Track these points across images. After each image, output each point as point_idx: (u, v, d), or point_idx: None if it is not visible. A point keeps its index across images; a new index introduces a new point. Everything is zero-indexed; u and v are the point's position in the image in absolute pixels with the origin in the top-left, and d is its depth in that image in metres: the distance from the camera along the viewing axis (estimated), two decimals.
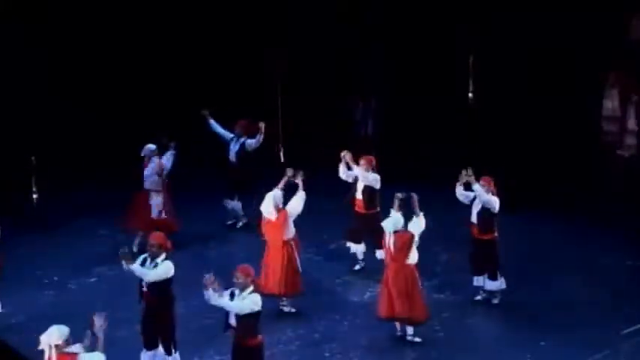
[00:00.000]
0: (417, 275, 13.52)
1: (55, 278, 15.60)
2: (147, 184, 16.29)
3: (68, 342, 10.25)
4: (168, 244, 12.44)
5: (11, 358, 11.60)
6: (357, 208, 15.75)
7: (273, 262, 14.28)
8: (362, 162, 15.58)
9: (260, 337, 11.74)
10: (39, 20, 20.52)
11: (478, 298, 14.68)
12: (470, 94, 21.92)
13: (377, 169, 15.62)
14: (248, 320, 11.53)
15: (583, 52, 19.98)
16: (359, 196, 15.66)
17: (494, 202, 14.25)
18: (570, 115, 20.22)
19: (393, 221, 13.54)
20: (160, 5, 21.59)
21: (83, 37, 20.89)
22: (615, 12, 20.05)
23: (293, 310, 14.56)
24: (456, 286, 15.08)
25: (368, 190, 15.55)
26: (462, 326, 14.09)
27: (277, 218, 14.28)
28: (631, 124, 20.55)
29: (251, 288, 11.57)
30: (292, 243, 14.39)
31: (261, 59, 22.14)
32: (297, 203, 14.42)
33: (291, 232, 14.41)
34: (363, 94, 22.46)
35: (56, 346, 10.13)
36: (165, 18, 21.67)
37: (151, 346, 12.59)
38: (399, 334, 13.74)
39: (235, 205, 17.43)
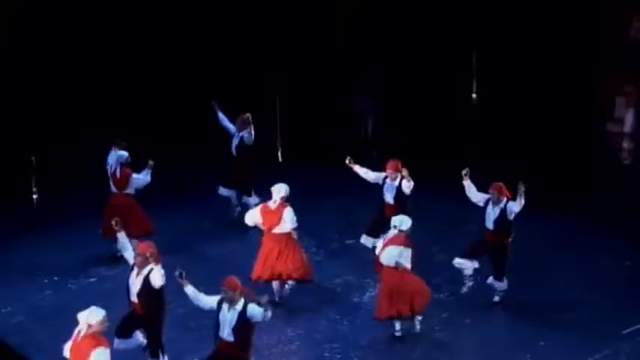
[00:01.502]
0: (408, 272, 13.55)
1: (55, 278, 15.59)
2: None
3: (103, 325, 10.58)
4: (155, 254, 12.20)
5: (11, 358, 11.60)
6: (387, 213, 15.24)
7: (267, 249, 14.41)
8: (388, 169, 15.34)
9: (250, 351, 11.58)
10: (40, 20, 20.52)
11: (497, 298, 14.72)
12: (473, 95, 21.92)
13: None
14: (247, 331, 11.37)
15: (583, 52, 19.99)
16: (389, 200, 15.40)
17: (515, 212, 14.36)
18: (571, 115, 20.22)
19: (404, 220, 13.56)
20: (159, 5, 21.59)
21: (84, 37, 20.89)
22: (615, 12, 20.06)
23: (276, 299, 14.52)
24: (456, 286, 15.07)
25: (399, 195, 15.29)
26: (462, 326, 14.08)
27: (277, 208, 14.39)
28: (627, 127, 20.56)
29: (242, 300, 11.39)
30: (292, 234, 14.50)
31: (261, 59, 22.15)
32: (292, 221, 14.43)
33: (287, 226, 14.42)
34: (363, 94, 22.45)
35: (89, 325, 10.45)
36: (166, 18, 21.67)
37: (124, 335, 12.50)
38: (397, 334, 13.73)
39: (231, 192, 17.41)
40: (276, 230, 14.45)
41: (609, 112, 21.04)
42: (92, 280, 15.56)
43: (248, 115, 17.09)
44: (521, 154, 19.56)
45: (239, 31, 22.02)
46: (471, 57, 21.38)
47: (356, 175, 15.60)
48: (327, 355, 13.34)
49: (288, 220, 14.40)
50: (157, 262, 12.13)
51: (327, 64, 22.06)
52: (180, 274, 11.65)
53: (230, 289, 11.34)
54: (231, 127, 17.42)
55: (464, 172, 14.59)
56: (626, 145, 20.59)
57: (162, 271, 12.13)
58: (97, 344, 10.48)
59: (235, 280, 11.46)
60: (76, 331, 10.66)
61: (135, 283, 12.26)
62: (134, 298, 12.30)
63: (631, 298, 14.82)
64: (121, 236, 12.76)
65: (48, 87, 20.25)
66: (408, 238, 13.56)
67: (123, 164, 16.03)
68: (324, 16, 22.44)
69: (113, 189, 16.09)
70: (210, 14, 21.96)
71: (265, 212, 14.54)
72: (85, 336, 10.54)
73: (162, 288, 12.24)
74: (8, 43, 20.25)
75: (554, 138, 19.97)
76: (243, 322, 11.29)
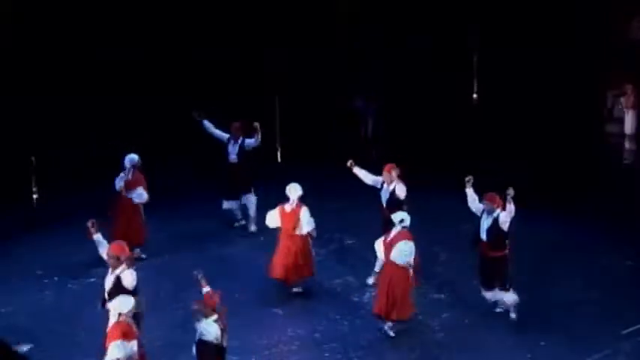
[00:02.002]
0: (410, 276, 13.52)
1: (55, 278, 15.58)
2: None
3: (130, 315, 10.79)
4: (127, 255, 12.10)
5: (11, 358, 11.60)
6: (386, 216, 14.98)
7: (284, 249, 14.58)
8: (384, 172, 15.15)
9: None
10: (40, 20, 20.53)
11: (499, 309, 14.30)
12: (474, 95, 21.97)
13: (401, 175, 15.16)
14: (205, 350, 11.00)
15: (583, 52, 20.01)
16: (385, 204, 15.21)
17: (507, 222, 13.78)
18: (571, 115, 20.25)
19: (405, 215, 13.57)
20: (159, 5, 21.60)
21: (84, 37, 20.91)
22: (615, 12, 20.09)
23: (300, 290, 14.80)
24: (456, 286, 15.06)
25: (394, 199, 15.10)
26: (462, 326, 14.06)
27: (293, 209, 14.53)
28: (627, 127, 20.56)
29: (213, 317, 11.05)
30: (308, 237, 14.64)
31: (261, 59, 22.17)
32: (308, 223, 14.63)
33: (305, 229, 14.58)
34: (363, 94, 22.46)
35: (120, 314, 10.74)
36: (166, 18, 21.68)
37: None
38: (383, 331, 13.74)
39: (233, 204, 17.41)
40: (296, 232, 14.58)
41: (609, 113, 21.07)
42: (92, 280, 15.50)
43: (257, 124, 17.02)
44: (521, 154, 19.57)
45: (239, 31, 22.03)
46: (471, 57, 21.44)
47: (356, 176, 15.60)
48: (327, 355, 13.32)
49: (304, 223, 14.56)
50: (130, 266, 12.01)
51: (327, 64, 22.08)
52: (197, 275, 11.54)
53: (202, 304, 11.14)
54: (221, 134, 17.24)
55: (467, 179, 14.19)
56: (626, 145, 20.61)
57: (135, 274, 11.98)
58: (117, 337, 10.63)
59: (210, 296, 11.21)
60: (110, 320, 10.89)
61: (107, 282, 12.17)
62: (106, 297, 12.13)
63: (631, 298, 14.80)
64: (97, 237, 12.63)
65: (48, 87, 20.27)
66: (410, 233, 13.59)
67: (136, 167, 16.05)
68: (324, 16, 22.46)
69: (123, 192, 16.07)
70: (210, 14, 21.97)
71: (283, 214, 14.65)
72: (115, 323, 10.77)
73: (134, 291, 11.97)
74: (8, 43, 20.26)
75: (555, 138, 19.99)
76: (199, 339, 11.04)
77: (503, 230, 13.80)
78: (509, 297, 14.04)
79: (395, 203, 15.04)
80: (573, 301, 14.70)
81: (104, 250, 12.42)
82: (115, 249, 12.12)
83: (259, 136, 16.99)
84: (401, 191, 15.08)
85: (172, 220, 17.52)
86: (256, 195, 16.99)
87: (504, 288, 14.09)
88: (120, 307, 10.87)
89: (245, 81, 21.68)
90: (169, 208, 17.78)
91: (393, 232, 13.59)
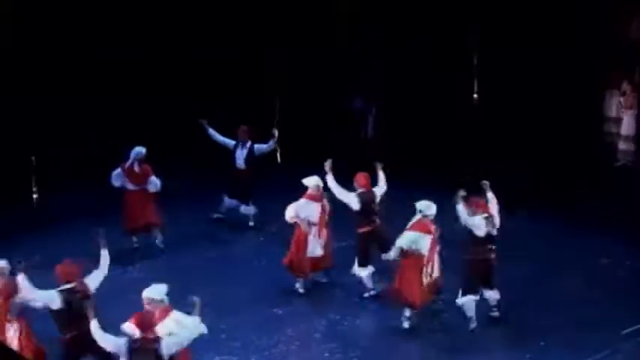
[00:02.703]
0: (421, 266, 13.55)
1: None
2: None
3: (163, 301, 11.16)
4: (65, 276, 11.99)
5: (11, 357, 11.59)
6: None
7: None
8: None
9: None
10: (40, 20, 20.53)
11: (495, 314, 14.21)
12: (474, 95, 21.95)
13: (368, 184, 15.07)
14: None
15: (583, 52, 20.00)
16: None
17: (474, 226, 13.52)
18: (571, 115, 20.24)
19: (423, 205, 13.64)
20: (159, 5, 21.59)
21: (84, 37, 20.91)
22: (615, 12, 20.08)
23: (301, 290, 14.87)
24: (456, 286, 15.03)
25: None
26: (462, 326, 14.06)
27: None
28: (626, 129, 20.54)
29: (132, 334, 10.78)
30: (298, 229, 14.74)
31: (261, 59, 22.17)
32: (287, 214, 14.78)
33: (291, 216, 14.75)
34: (363, 94, 22.45)
35: (152, 299, 11.12)
36: (166, 18, 21.68)
37: None
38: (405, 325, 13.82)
39: (228, 201, 17.44)
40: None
41: (608, 113, 21.06)
42: None
43: (275, 130, 17.17)
44: (521, 154, 19.57)
45: (239, 31, 22.03)
46: (471, 57, 21.44)
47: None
48: (327, 355, 13.33)
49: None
50: (77, 288, 11.97)
51: (327, 64, 22.07)
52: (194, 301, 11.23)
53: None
54: (227, 141, 17.28)
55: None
56: (625, 145, 20.59)
57: (56, 299, 11.88)
58: (130, 322, 10.88)
59: (135, 317, 10.98)
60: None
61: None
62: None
63: (631, 298, 14.81)
64: (104, 253, 12.68)
65: (48, 87, 20.26)
66: (430, 224, 13.56)
67: (140, 160, 16.13)
68: (324, 16, 22.45)
69: (130, 187, 16.13)
70: (210, 14, 21.97)
71: None
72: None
73: (61, 311, 11.91)
74: (8, 43, 20.26)
75: (555, 138, 19.98)
76: None
77: (471, 232, 13.60)
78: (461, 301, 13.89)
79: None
80: (573, 301, 14.70)
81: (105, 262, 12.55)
82: (61, 270, 12.05)
83: (273, 142, 17.06)
84: (353, 203, 14.92)
85: (172, 220, 17.50)
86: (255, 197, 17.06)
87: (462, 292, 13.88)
88: (148, 292, 11.21)
89: (245, 81, 21.68)
90: (169, 208, 17.74)
91: (415, 219, 13.66)
